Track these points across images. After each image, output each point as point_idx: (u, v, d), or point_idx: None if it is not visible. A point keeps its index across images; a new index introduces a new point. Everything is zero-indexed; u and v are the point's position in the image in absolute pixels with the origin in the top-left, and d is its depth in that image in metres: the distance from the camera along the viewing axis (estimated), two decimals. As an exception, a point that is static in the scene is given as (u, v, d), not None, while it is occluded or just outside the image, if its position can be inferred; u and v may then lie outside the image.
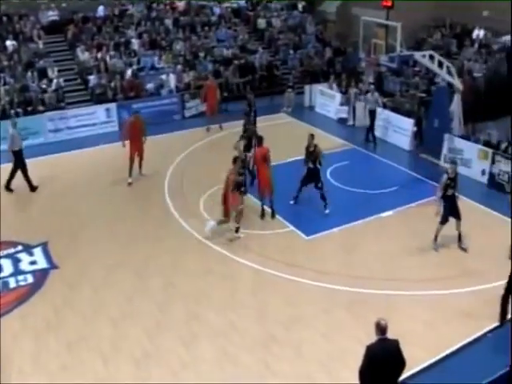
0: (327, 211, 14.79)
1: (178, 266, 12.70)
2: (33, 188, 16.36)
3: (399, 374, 7.99)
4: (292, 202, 15.22)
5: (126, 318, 10.93)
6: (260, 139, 14.81)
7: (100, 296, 11.61)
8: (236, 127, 21.39)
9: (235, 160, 13.78)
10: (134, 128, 16.75)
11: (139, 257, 13.06)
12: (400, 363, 7.86)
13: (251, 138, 16.64)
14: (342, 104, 22.76)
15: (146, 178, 17.24)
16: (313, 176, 14.80)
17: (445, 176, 13.19)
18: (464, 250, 13.41)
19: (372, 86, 20.96)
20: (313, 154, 14.72)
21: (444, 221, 13.24)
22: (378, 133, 20.44)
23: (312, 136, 14.98)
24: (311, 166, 14.74)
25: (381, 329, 7.73)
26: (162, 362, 9.81)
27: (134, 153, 16.78)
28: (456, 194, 13.36)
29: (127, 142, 16.66)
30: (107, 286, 11.96)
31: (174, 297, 11.61)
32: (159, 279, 12.19)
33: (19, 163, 16.19)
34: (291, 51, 27.84)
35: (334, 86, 24.02)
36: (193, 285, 12.02)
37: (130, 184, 16.73)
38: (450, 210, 13.23)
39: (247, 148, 16.55)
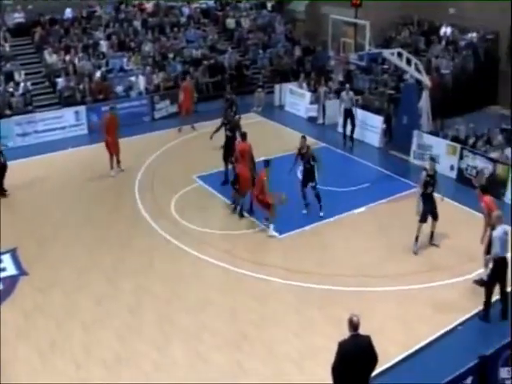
0: (322, 213, 14.75)
1: (148, 268, 12.63)
2: (3, 193, 16.16)
3: (372, 370, 8.02)
4: (305, 212, 14.99)
5: (97, 322, 10.84)
6: (244, 135, 14.97)
7: (71, 300, 11.49)
8: (207, 127, 21.41)
9: (267, 163, 13.95)
10: (111, 124, 17.17)
11: (109, 259, 12.96)
12: (372, 359, 7.89)
13: (234, 129, 16.72)
14: (311, 103, 22.84)
15: (117, 179, 17.16)
16: (309, 175, 14.73)
17: (423, 173, 13.23)
18: (435, 245, 13.54)
19: (347, 85, 20.88)
20: (305, 156, 14.73)
21: (423, 219, 13.22)
22: (347, 130, 20.56)
23: (304, 138, 15.13)
24: (307, 165, 14.69)
25: (353, 325, 7.75)
26: (134, 365, 9.75)
27: (113, 147, 17.15)
28: (442, 195, 13.46)
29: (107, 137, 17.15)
30: (78, 289, 11.84)
31: (145, 299, 11.54)
32: (130, 282, 12.10)
33: None
34: (260, 51, 27.84)
35: (304, 84, 24.08)
36: (164, 286, 11.96)
37: (113, 176, 17.32)
38: (430, 209, 13.23)
39: (231, 141, 16.51)
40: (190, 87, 21.93)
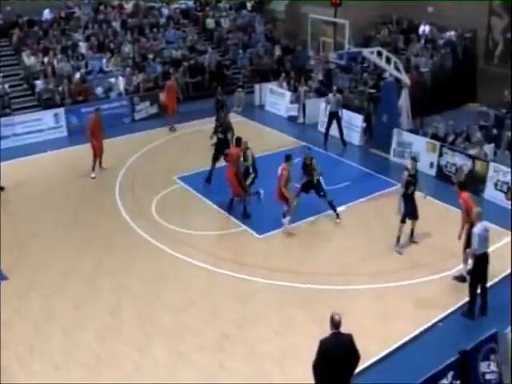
0: (338, 220, 14.57)
1: (129, 269, 12.57)
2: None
3: (353, 369, 8.04)
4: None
5: (77, 325, 10.75)
6: (238, 140, 14.95)
7: (50, 304, 11.37)
8: (188, 128, 21.42)
9: (288, 157, 13.93)
10: (96, 125, 17.27)
11: (90, 261, 12.87)
12: (354, 357, 7.91)
13: (226, 131, 16.86)
14: (291, 102, 22.88)
15: (97, 181, 17.05)
16: (313, 187, 14.54)
17: (405, 173, 13.23)
18: (416, 243, 13.61)
19: (334, 87, 20.70)
20: (309, 167, 14.45)
21: (405, 220, 13.26)
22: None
23: (306, 149, 15.18)
24: (312, 179, 14.44)
25: (334, 323, 7.77)
26: (115, 366, 9.70)
27: (98, 149, 17.20)
28: (424, 194, 13.52)
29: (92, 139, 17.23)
30: (57, 293, 11.73)
31: (126, 300, 11.48)
32: (110, 283, 12.03)
33: None
34: (240, 51, 27.85)
35: (284, 84, 24.12)
36: (144, 287, 11.91)
37: (94, 178, 17.27)
38: (411, 210, 13.26)
39: (225, 143, 16.58)
40: (174, 87, 21.87)
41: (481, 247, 10.76)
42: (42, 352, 10.04)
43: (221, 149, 16.39)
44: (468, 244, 11.74)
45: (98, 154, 17.38)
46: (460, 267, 12.17)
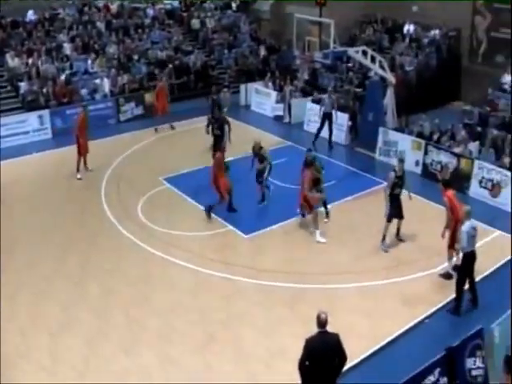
0: (326, 220, 14.60)
1: (116, 272, 12.51)
2: None
3: (340, 368, 8.06)
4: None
5: (64, 328, 10.68)
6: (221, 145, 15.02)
7: (37, 308, 11.29)
8: (173, 129, 21.37)
9: (311, 162, 13.89)
10: (83, 124, 17.33)
11: (76, 264, 12.80)
12: (340, 357, 7.93)
13: (223, 127, 17.15)
14: (277, 102, 22.91)
15: (83, 183, 16.96)
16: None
17: (392, 174, 13.26)
18: (402, 241, 13.67)
19: (330, 88, 20.56)
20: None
21: (391, 219, 13.31)
22: (313, 128, 20.69)
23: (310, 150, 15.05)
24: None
25: (320, 322, 7.80)
26: (104, 370, 9.64)
27: (83, 147, 17.19)
28: (409, 193, 13.58)
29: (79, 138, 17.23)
30: (44, 296, 11.64)
31: (113, 302, 11.42)
32: (97, 286, 11.97)
33: None
34: (226, 51, 27.83)
35: (270, 84, 24.15)
36: (131, 289, 11.86)
37: (80, 179, 17.16)
38: (396, 210, 13.32)
39: (221, 139, 16.82)
40: (164, 88, 21.90)
41: (469, 245, 10.82)
42: (29, 355, 9.98)
43: (219, 146, 16.48)
44: (452, 242, 11.83)
45: (82, 152, 17.30)
46: (445, 265, 12.23)
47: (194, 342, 10.32)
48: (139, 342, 10.27)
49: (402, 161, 13.74)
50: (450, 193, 12.21)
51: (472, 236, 10.87)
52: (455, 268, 11.86)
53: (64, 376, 9.51)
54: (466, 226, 10.82)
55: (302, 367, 7.90)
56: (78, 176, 17.21)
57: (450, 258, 12.14)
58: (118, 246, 13.56)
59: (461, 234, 10.89)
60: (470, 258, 10.94)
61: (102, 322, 10.83)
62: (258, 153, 15.19)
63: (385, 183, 14.05)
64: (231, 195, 14.72)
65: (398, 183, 13.23)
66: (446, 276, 12.12)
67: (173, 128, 21.60)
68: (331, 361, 7.90)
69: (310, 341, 7.85)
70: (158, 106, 21.59)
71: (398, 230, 13.68)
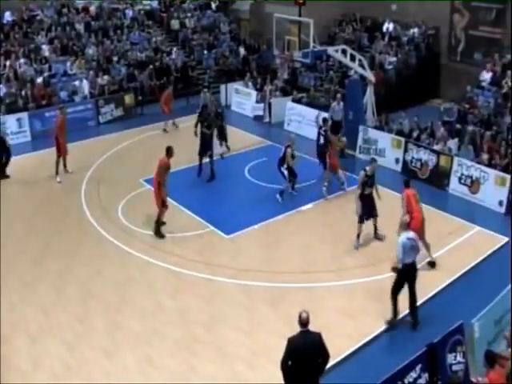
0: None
1: (96, 274, 12.42)
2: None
3: (323, 367, 8.07)
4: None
5: (45, 333, 10.57)
6: (169, 150, 13.74)
7: (17, 313, 11.16)
8: (153, 130, 21.30)
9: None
10: (62, 125, 17.17)
11: (56, 269, 12.66)
12: (323, 356, 7.94)
13: (211, 126, 17.14)
14: (257, 101, 22.91)
15: (62, 185, 16.84)
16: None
17: (362, 173, 13.31)
18: (380, 239, 13.72)
19: (339, 95, 19.55)
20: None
21: (362, 220, 13.32)
22: (292, 128, 20.73)
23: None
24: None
25: (302, 321, 7.81)
26: (85, 374, 9.56)
27: (63, 149, 17.12)
28: (377, 194, 13.61)
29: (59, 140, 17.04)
30: (24, 302, 11.51)
31: (94, 306, 11.33)
32: (77, 289, 11.87)
33: None
34: (205, 51, 27.78)
35: (250, 83, 24.13)
36: (112, 292, 11.79)
37: (60, 182, 17.06)
38: (368, 209, 13.34)
39: (210, 137, 16.93)
40: (170, 94, 21.96)
41: (406, 256, 10.42)
42: (10, 361, 9.85)
43: (206, 143, 16.63)
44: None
45: (62, 154, 17.20)
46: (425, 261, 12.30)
47: (176, 343, 10.27)
48: (120, 346, 10.20)
49: (374, 160, 13.87)
50: (409, 192, 12.30)
51: (410, 247, 10.42)
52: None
53: (44, 380, 9.40)
54: (400, 238, 10.45)
55: (285, 367, 7.89)
56: (58, 179, 17.08)
57: (427, 247, 12.30)
58: (98, 249, 13.47)
59: (397, 245, 10.45)
60: (408, 270, 10.47)
61: (83, 327, 10.73)
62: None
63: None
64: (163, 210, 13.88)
65: (368, 183, 13.26)
66: (395, 269, 11.97)
67: (176, 126, 21.75)
68: (314, 360, 7.91)
69: (292, 340, 7.85)
70: (165, 108, 21.57)
71: (375, 228, 13.71)
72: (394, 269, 11.54)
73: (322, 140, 16.36)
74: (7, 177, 17.51)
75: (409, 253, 10.43)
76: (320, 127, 16.56)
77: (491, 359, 7.77)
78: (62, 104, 19.78)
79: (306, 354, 7.85)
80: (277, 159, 15.47)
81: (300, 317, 7.83)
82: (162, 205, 13.68)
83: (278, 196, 15.30)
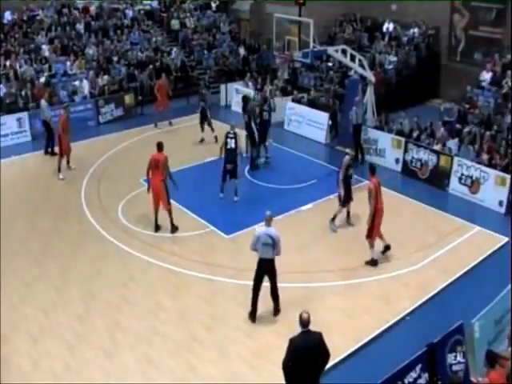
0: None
1: (96, 274, 12.43)
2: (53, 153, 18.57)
3: (323, 366, 8.10)
4: None
5: (45, 333, 10.57)
6: (160, 145, 13.88)
7: (17, 313, 11.16)
8: (153, 130, 21.30)
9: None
10: (65, 123, 17.39)
11: (56, 267, 12.68)
12: (324, 355, 7.96)
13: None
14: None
15: (62, 186, 16.81)
16: None
17: (347, 157, 13.87)
18: (351, 225, 14.08)
19: (357, 98, 18.60)
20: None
21: (344, 204, 13.90)
22: (292, 128, 20.73)
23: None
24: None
25: (303, 322, 7.84)
26: (85, 375, 9.55)
27: (66, 147, 17.30)
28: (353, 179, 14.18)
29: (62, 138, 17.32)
30: (24, 302, 11.51)
31: (94, 306, 11.34)
32: (78, 289, 11.87)
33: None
34: (205, 51, 27.78)
35: (250, 83, 24.10)
36: (113, 292, 11.78)
37: (63, 179, 17.12)
38: (349, 193, 13.91)
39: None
40: (164, 84, 22.03)
41: (259, 251, 10.43)
42: (10, 361, 9.86)
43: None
44: (370, 232, 12.24)
45: (65, 152, 17.37)
46: (425, 262, 12.29)
47: (176, 343, 10.27)
48: (121, 346, 10.20)
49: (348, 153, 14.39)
50: (375, 181, 12.39)
51: (264, 244, 10.32)
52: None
53: (44, 380, 9.40)
54: (257, 231, 10.44)
55: (286, 367, 7.91)
56: (61, 176, 17.16)
57: (371, 246, 12.42)
58: (98, 248, 13.47)
59: (254, 236, 10.47)
60: (259, 263, 10.55)
61: (83, 327, 10.73)
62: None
63: (366, 182, 14.12)
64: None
65: (352, 165, 14.09)
66: (372, 262, 12.45)
67: (171, 124, 21.82)
68: (315, 360, 7.94)
69: (294, 341, 7.88)
70: (157, 101, 21.72)
71: (349, 213, 14.23)
72: (368, 262, 12.16)
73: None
74: (55, 154, 18.33)
75: (262, 248, 10.39)
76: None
77: (492, 359, 7.77)
78: (65, 103, 19.82)
79: (307, 355, 7.87)
80: (277, 159, 15.47)
81: (301, 317, 7.85)
82: (168, 202, 13.87)
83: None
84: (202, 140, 19.71)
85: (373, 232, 12.36)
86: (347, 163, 13.81)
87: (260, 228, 10.63)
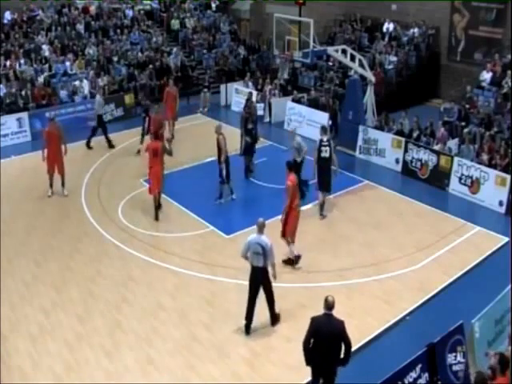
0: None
1: (97, 274, 12.42)
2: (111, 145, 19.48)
3: (347, 356, 8.15)
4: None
5: (45, 333, 10.57)
6: (157, 134, 14.98)
7: (18, 313, 11.16)
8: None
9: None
10: (49, 137, 15.95)
11: (56, 268, 12.68)
12: (346, 343, 8.03)
13: None
14: (257, 101, 22.81)
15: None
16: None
17: (318, 142, 14.29)
18: (323, 216, 14.28)
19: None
20: None
21: (320, 188, 14.32)
22: (292, 127, 20.69)
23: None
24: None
25: (328, 305, 7.97)
26: (85, 375, 9.55)
27: (52, 164, 15.98)
28: (337, 170, 14.40)
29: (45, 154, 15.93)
30: (25, 302, 11.51)
31: (94, 306, 11.33)
32: (78, 289, 11.87)
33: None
34: (205, 51, 27.79)
35: (250, 83, 24.12)
36: (113, 292, 11.78)
37: (50, 196, 16.16)
38: (324, 182, 14.23)
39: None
40: (172, 92, 20.73)
41: (250, 258, 10.26)
42: (10, 361, 9.86)
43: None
44: (284, 230, 12.24)
45: (60, 171, 16.11)
46: (424, 262, 12.28)
47: (177, 343, 10.26)
48: (121, 346, 10.20)
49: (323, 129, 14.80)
50: (293, 177, 12.29)
51: (254, 252, 10.09)
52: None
53: (44, 380, 9.40)
54: (250, 239, 10.17)
55: (307, 346, 8.00)
56: (49, 193, 16.22)
57: (287, 244, 12.40)
58: (98, 249, 13.46)
59: (245, 244, 10.26)
60: (251, 272, 10.27)
61: (84, 327, 10.73)
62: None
63: (365, 181, 14.14)
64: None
65: (324, 144, 14.27)
66: (289, 261, 12.42)
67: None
68: (336, 342, 7.97)
69: (316, 319, 8.02)
70: (166, 110, 20.29)
71: (322, 206, 14.55)
72: (285, 261, 11.96)
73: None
74: (113, 147, 19.52)
75: (253, 257, 10.15)
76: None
77: (505, 364, 7.58)
78: (62, 108, 19.72)
79: (329, 334, 7.94)
80: (277, 159, 15.44)
81: (326, 300, 7.99)
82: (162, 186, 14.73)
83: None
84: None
85: (286, 230, 12.23)
86: (320, 144, 14.20)
87: (251, 236, 10.24)
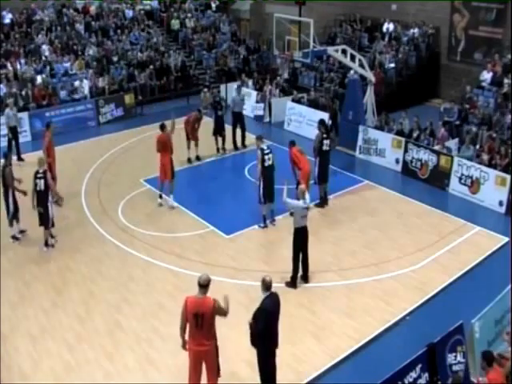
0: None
1: (97, 274, 12.42)
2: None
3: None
4: None
5: (45, 333, 10.57)
6: (162, 126, 15.39)
7: (18, 313, 11.17)
8: (153, 130, 21.22)
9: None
10: (50, 143, 16.00)
11: (56, 268, 12.68)
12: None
13: None
14: (257, 101, 22.87)
15: (62, 186, 16.62)
16: None
17: (319, 133, 14.91)
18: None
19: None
20: None
21: (321, 182, 14.77)
22: (292, 128, 20.75)
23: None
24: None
25: (266, 285, 8.48)
26: (85, 375, 9.55)
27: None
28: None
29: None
30: (25, 302, 11.52)
31: (95, 306, 11.33)
32: (78, 290, 11.87)
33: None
34: (205, 51, 27.79)
35: (250, 83, 24.11)
36: (113, 292, 11.77)
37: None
38: (325, 171, 14.74)
39: None
40: (193, 119, 18.62)
41: (298, 222, 11.42)
42: (10, 361, 9.87)
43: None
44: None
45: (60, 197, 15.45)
46: (424, 262, 12.25)
47: (176, 344, 10.17)
48: (121, 347, 10.19)
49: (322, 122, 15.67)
50: (295, 149, 14.21)
51: (302, 216, 11.38)
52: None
53: (44, 380, 9.40)
54: (298, 204, 11.39)
55: (257, 331, 8.55)
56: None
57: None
58: (98, 249, 13.45)
59: (294, 210, 11.63)
60: (298, 233, 11.43)
61: (83, 327, 10.73)
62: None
63: (365, 181, 14.11)
64: None
65: (324, 137, 14.98)
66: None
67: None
68: (277, 316, 8.67)
69: (265, 303, 8.50)
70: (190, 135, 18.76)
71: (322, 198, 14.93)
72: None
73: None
74: (245, 146, 19.38)
75: (300, 220, 11.41)
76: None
77: (489, 358, 7.73)
78: (62, 108, 19.57)
79: (275, 315, 8.59)
80: (277, 159, 15.38)
81: (264, 281, 8.44)
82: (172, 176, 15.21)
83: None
84: None
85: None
86: (321, 137, 14.93)
87: (299, 202, 11.40)
